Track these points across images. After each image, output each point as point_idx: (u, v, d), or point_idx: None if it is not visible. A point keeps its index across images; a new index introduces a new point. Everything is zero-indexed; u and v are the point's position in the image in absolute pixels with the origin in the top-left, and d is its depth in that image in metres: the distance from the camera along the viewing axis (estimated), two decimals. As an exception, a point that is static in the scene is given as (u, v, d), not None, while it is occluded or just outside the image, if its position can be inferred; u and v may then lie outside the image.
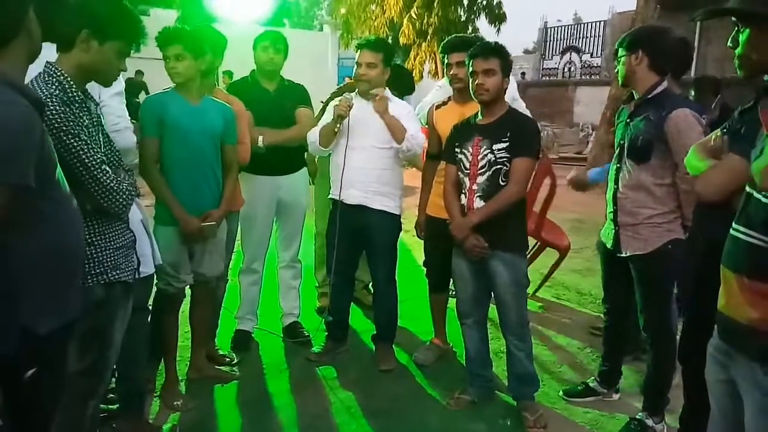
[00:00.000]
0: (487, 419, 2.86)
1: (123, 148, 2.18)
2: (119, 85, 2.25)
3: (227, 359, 3.31)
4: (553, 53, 21.54)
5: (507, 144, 2.67)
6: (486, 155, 2.70)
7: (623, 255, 2.66)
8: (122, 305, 1.99)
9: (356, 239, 3.27)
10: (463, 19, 12.98)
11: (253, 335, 3.61)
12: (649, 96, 2.59)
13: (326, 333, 3.46)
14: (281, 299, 3.73)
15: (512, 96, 3.29)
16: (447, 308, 3.53)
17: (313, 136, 3.24)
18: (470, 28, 12.93)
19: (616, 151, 2.73)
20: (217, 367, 3.19)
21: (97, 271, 1.88)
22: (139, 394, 2.59)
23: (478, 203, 2.71)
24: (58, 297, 1.52)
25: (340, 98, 3.21)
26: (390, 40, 11.11)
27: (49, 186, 1.47)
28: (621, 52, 2.64)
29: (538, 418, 2.78)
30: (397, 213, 3.29)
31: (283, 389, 3.10)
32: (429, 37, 12.17)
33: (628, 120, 2.67)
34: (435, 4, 11.94)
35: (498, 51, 2.71)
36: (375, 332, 3.49)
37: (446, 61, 3.25)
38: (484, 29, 14.56)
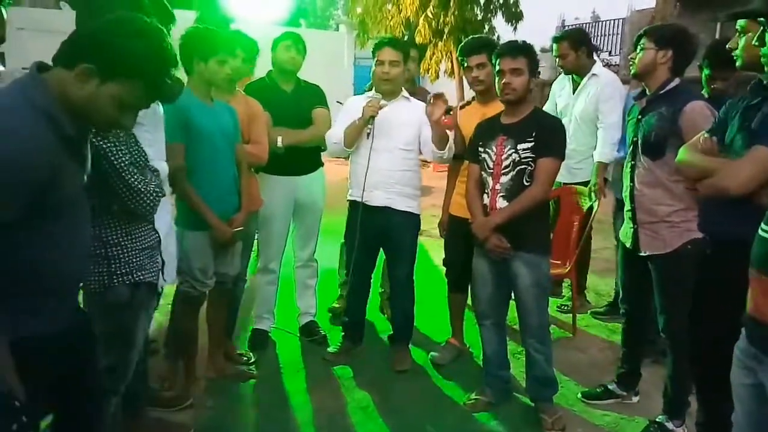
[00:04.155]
0: (504, 420, 2.84)
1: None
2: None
3: (244, 358, 3.33)
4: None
5: (532, 144, 2.64)
6: (510, 155, 2.67)
7: (643, 254, 2.63)
8: (146, 306, 2.01)
9: (377, 241, 3.26)
10: (479, 18, 12.91)
11: (270, 334, 3.63)
12: (662, 91, 2.56)
13: (342, 333, 3.47)
14: (298, 299, 3.75)
15: None
16: (465, 308, 3.52)
17: (335, 136, 3.22)
18: (487, 27, 12.86)
19: (629, 149, 2.70)
20: (234, 366, 3.21)
21: (123, 271, 1.90)
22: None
23: (501, 203, 2.69)
24: (16, 312, 1.40)
25: (369, 98, 3.17)
26: (406, 40, 11.10)
27: (50, 212, 1.40)
28: (647, 43, 2.58)
29: (556, 421, 2.76)
30: (418, 213, 3.29)
31: (300, 388, 3.11)
32: (445, 36, 12.12)
33: (639, 116, 2.64)
34: (451, 4, 11.87)
35: (525, 50, 2.69)
36: (391, 332, 3.49)
37: (465, 63, 3.22)
38: (501, 28, 14.48)
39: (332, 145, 3.25)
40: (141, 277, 1.94)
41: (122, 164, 1.82)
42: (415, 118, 3.15)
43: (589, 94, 3.95)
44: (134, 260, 1.93)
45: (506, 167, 2.69)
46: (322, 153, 3.57)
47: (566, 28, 21.22)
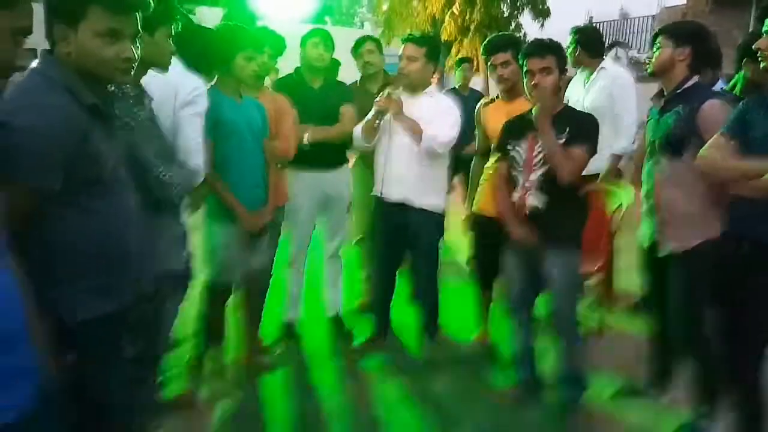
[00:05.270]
0: (532, 417, 2.82)
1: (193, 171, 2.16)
2: (200, 103, 2.26)
3: (272, 350, 3.35)
4: (598, 48, 20.98)
5: (565, 139, 2.61)
6: (542, 151, 2.65)
7: (662, 254, 2.58)
8: (172, 296, 2.04)
9: (398, 236, 3.26)
10: (506, 14, 12.84)
11: (296, 326, 3.65)
12: (679, 90, 2.52)
13: (369, 326, 3.48)
14: (325, 291, 3.77)
15: None
16: (491, 305, 3.50)
17: (357, 131, 3.26)
18: (513, 24, 12.79)
19: (648, 148, 2.66)
20: (262, 357, 3.23)
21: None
22: None
23: (533, 199, 2.67)
24: (91, 289, 1.54)
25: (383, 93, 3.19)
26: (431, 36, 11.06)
27: (94, 184, 1.50)
28: (663, 40, 2.55)
29: (585, 419, 2.73)
30: (440, 212, 3.26)
31: (328, 380, 3.14)
32: (471, 33, 12.08)
33: (658, 116, 2.60)
34: (477, 1, 11.84)
35: (554, 48, 2.66)
36: (417, 327, 3.48)
37: (489, 62, 3.20)
38: (528, 25, 14.36)
39: (355, 140, 3.30)
40: (169, 267, 1.97)
41: (147, 156, 1.84)
42: (433, 114, 3.13)
43: (599, 87, 3.92)
44: (161, 252, 1.95)
45: (537, 164, 2.66)
46: (348, 150, 3.58)
47: (593, 25, 21.01)
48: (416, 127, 3.07)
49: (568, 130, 2.62)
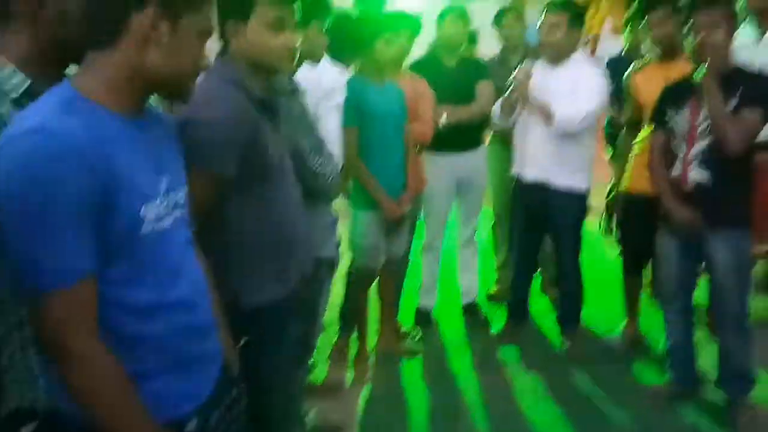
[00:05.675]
0: (689, 417, 2.62)
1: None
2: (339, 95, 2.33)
3: (411, 335, 3.38)
4: None
5: (737, 103, 2.35)
6: (707, 119, 2.40)
7: None
8: (327, 280, 2.11)
9: (537, 218, 3.14)
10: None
11: (432, 313, 3.64)
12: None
13: (507, 313, 3.40)
14: (460, 278, 3.72)
15: None
16: (641, 293, 3.29)
17: (496, 109, 3.16)
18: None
19: None
20: (402, 342, 3.27)
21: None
22: None
23: (695, 174, 2.44)
24: (268, 274, 1.62)
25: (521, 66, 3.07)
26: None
27: (265, 173, 1.59)
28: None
29: (750, 420, 2.50)
30: (583, 192, 3.08)
31: (466, 367, 3.11)
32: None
33: None
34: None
35: (722, 1, 2.40)
36: (558, 315, 3.35)
37: (646, 19, 2.97)
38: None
39: (495, 119, 3.21)
40: (323, 254, 2.03)
41: (303, 147, 1.90)
42: (574, 86, 2.93)
43: None
44: (317, 239, 2.01)
45: (702, 132, 2.42)
46: (486, 130, 3.49)
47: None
48: (546, 109, 2.92)
49: (740, 93, 2.35)
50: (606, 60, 4.02)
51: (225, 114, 1.49)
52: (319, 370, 2.95)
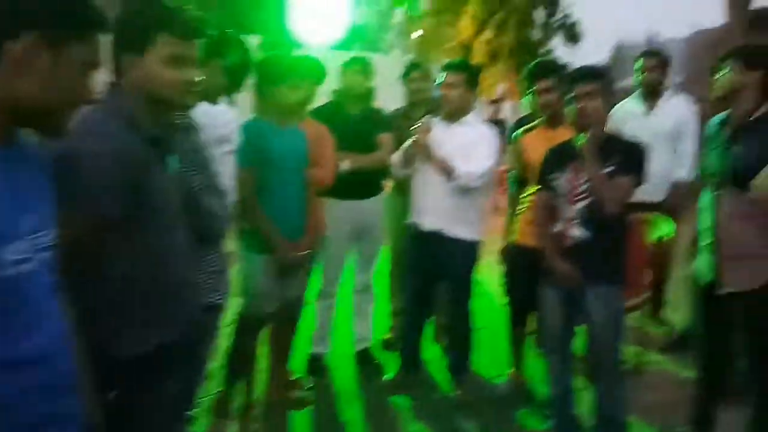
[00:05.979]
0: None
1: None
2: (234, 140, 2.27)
3: (301, 384, 3.30)
4: (627, 73, 20.82)
5: (612, 170, 2.54)
6: (586, 181, 2.57)
7: (724, 292, 2.49)
8: (214, 327, 2.03)
9: (431, 266, 3.21)
10: (537, 38, 12.83)
11: (325, 360, 3.59)
12: (751, 118, 2.43)
13: (399, 361, 3.41)
14: (355, 324, 3.71)
15: None
16: (526, 340, 3.41)
17: (396, 159, 3.24)
18: (544, 49, 12.76)
19: (714, 179, 2.56)
20: (292, 391, 3.18)
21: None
22: None
23: (575, 232, 2.59)
24: (146, 322, 1.53)
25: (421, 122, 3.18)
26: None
27: (148, 215, 1.50)
28: (733, 64, 2.46)
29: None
30: (476, 241, 3.21)
31: (357, 417, 3.07)
32: (501, 59, 12.09)
33: (726, 146, 2.50)
34: (509, 26, 11.86)
35: (600, 74, 2.61)
36: (449, 362, 3.40)
37: (533, 87, 3.16)
38: (559, 49, 14.29)
39: (394, 167, 3.29)
40: (212, 300, 1.96)
41: (197, 187, 1.84)
42: (470, 144, 3.09)
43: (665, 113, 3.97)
44: (206, 284, 1.94)
45: (582, 194, 2.59)
46: (385, 179, 3.56)
47: (622, 48, 20.81)
48: (446, 164, 3.04)
49: (616, 159, 2.55)
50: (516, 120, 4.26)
51: (107, 150, 1.40)
52: (200, 423, 2.79)
